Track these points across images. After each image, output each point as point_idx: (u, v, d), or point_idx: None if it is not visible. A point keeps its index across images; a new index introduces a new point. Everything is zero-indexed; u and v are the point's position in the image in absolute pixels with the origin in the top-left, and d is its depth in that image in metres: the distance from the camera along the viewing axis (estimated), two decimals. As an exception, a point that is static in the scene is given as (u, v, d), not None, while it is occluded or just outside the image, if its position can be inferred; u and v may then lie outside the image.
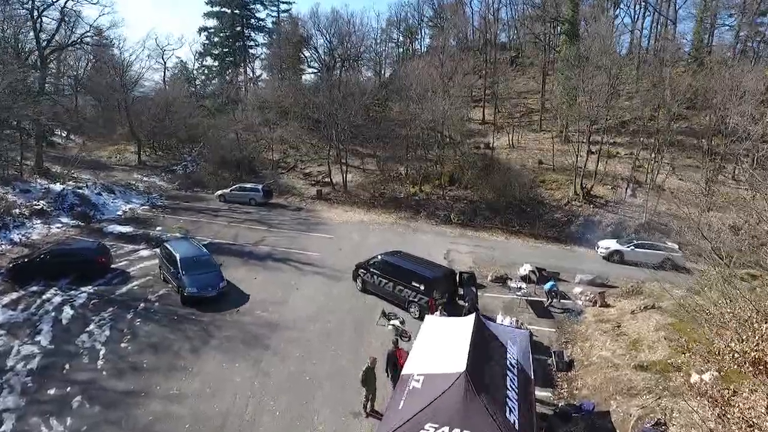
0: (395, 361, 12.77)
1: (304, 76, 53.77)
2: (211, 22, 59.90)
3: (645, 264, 25.07)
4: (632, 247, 25.50)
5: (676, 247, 25.65)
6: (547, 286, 19.04)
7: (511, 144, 41.55)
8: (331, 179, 37.84)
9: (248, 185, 34.67)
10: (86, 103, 58.40)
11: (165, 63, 54.47)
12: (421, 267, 18.11)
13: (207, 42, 60.77)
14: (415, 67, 41.87)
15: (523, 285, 20.00)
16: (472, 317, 11.52)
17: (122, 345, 14.95)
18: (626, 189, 31.60)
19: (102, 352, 14.49)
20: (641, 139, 36.25)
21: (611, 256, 25.82)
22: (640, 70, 32.91)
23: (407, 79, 39.53)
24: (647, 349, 14.11)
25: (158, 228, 27.25)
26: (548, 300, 19.14)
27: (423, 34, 68.46)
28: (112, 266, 20.84)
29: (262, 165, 42.26)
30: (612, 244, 26.26)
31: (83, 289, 18.67)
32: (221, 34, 60.74)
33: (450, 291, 17.89)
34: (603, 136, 32.12)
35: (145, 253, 23.12)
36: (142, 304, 17.73)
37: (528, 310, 18.90)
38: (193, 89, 56.25)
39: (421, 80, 37.57)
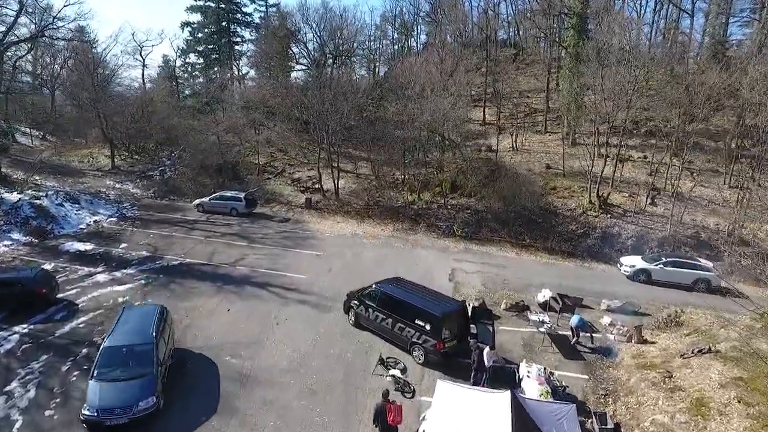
0: (384, 417, 10.31)
1: (293, 74, 50.40)
2: (195, 17, 56.51)
3: (675, 284, 22.33)
4: (661, 266, 22.55)
5: (710, 265, 22.77)
6: (575, 320, 15.99)
7: (514, 146, 38.57)
8: (321, 185, 34.63)
9: (229, 193, 31.35)
10: (64, 103, 54.90)
11: (144, 60, 50.91)
12: (426, 301, 14.98)
13: (191, 38, 57.31)
14: (413, 64, 38.70)
15: (546, 318, 16.95)
16: (505, 396, 8.42)
17: (47, 413, 11.69)
18: (648, 197, 28.67)
19: (17, 426, 11.23)
20: (657, 141, 33.41)
21: (637, 276, 22.86)
22: (654, 67, 30.07)
23: (404, 76, 36.44)
24: (718, 415, 11.09)
25: (123, 245, 23.92)
26: (574, 337, 16.09)
27: (419, 30, 65.53)
28: (58, 296, 17.55)
29: (248, 170, 38.93)
30: (637, 262, 23.30)
31: (15, 328, 15.39)
32: (205, 30, 57.33)
33: (462, 330, 14.79)
34: (621, 138, 29.14)
35: (102, 278, 19.81)
36: (84, 350, 14.46)
37: (552, 348, 15.86)
38: (175, 88, 52.64)
39: (419, 78, 34.47)
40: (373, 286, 16.26)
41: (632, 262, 23.46)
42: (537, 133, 42.34)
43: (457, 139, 35.44)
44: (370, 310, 15.82)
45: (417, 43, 65.10)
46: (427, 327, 14.14)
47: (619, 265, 24.04)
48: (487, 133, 42.55)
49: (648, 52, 27.11)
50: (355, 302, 16.44)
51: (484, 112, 45.00)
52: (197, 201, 31.38)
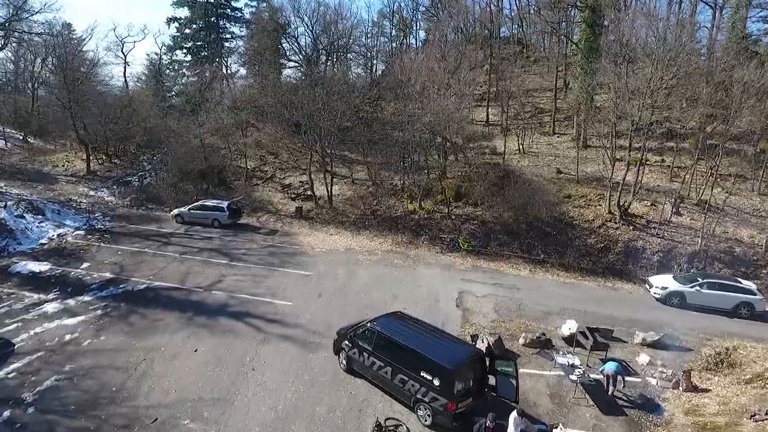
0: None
1: (285, 71, 47.45)
2: (182, 12, 53.56)
3: (714, 309, 19.62)
4: (697, 288, 19.80)
5: (754, 286, 20.05)
6: (612, 368, 13.14)
7: (521, 149, 35.84)
8: (313, 192, 31.76)
9: (210, 203, 28.44)
10: (47, 103, 51.85)
11: (125, 57, 47.91)
12: (433, 346, 12.14)
13: (177, 34, 54.40)
14: (413, 60, 35.87)
15: (576, 360, 14.15)
16: None
17: None
18: (673, 206, 25.92)
19: None
20: (676, 143, 30.72)
21: (670, 299, 20.11)
22: (681, 63, 27.30)
23: (403, 73, 33.61)
24: None
25: (84, 265, 21.01)
26: (611, 386, 13.23)
27: (418, 27, 62.67)
28: (-8, 334, 14.70)
29: (235, 175, 36.01)
30: (669, 282, 20.54)
31: (-74, 381, 12.52)
32: (193, 26, 54.38)
33: (478, 384, 11.98)
34: (643, 140, 26.35)
35: (51, 308, 16.92)
36: (7, 412, 11.58)
37: (586, 400, 13.06)
38: (160, 86, 49.68)
39: (420, 75, 31.65)
40: (368, 323, 13.43)
41: (663, 282, 20.70)
42: (544, 135, 39.64)
43: (460, 142, 32.64)
44: (365, 354, 13.00)
45: (416, 40, 62.30)
46: (436, 382, 11.32)
47: (647, 286, 21.29)
48: (491, 135, 39.83)
49: (678, 46, 24.12)
50: (347, 342, 13.61)
51: (487, 112, 42.28)
52: (176, 211, 28.45)
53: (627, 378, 13.67)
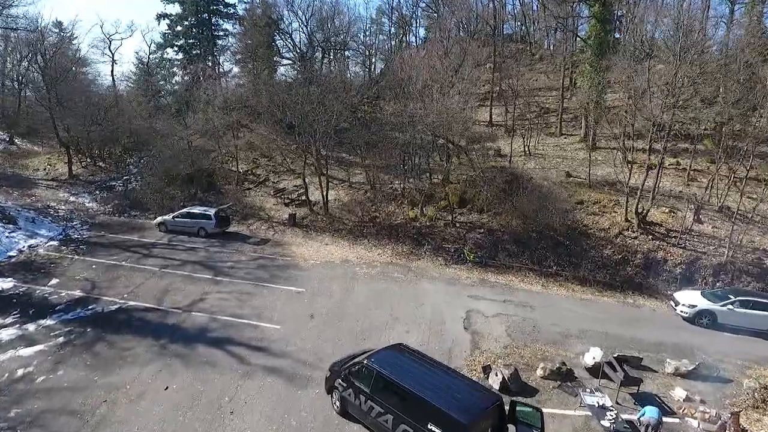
0: None
1: (279, 69, 45.49)
2: (173, 8, 51.45)
3: (750, 330, 17.75)
4: (730, 306, 17.92)
5: (792, 305, 18.15)
6: (652, 415, 11.16)
7: (526, 150, 34.00)
8: (308, 197, 29.81)
9: (197, 210, 26.47)
10: (31, 102, 49.78)
11: (113, 55, 45.88)
12: (444, 393, 10.18)
13: (168, 31, 52.30)
14: (414, 57, 33.96)
15: (606, 400, 12.24)
16: None
17: None
18: (695, 213, 24.03)
19: None
20: (693, 145, 28.87)
21: (699, 319, 18.22)
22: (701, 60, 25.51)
23: (404, 71, 31.71)
24: None
25: (53, 281, 19.03)
26: (648, 432, 11.33)
27: (418, 24, 60.85)
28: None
29: (225, 179, 34.03)
30: (697, 300, 18.65)
31: None
32: (185, 23, 52.30)
33: (496, 437, 10.08)
34: (665, 142, 24.39)
35: (6, 335, 14.92)
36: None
37: (620, 449, 11.16)
38: (149, 86, 47.62)
39: (421, 73, 29.74)
40: (365, 360, 11.50)
41: (690, 299, 18.81)
42: (551, 136, 37.85)
43: (464, 143, 30.72)
44: (362, 397, 11.08)
45: (416, 38, 60.48)
46: (447, 438, 9.41)
47: (673, 304, 19.40)
48: (495, 135, 38.01)
49: (703, 41, 22.28)
50: (341, 382, 11.69)
51: (491, 111, 40.44)
52: (159, 219, 26.49)
53: (664, 418, 11.78)
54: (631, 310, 19.73)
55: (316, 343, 15.15)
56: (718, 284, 20.96)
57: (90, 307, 17.03)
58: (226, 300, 18.07)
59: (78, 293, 18.01)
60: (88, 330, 15.41)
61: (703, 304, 18.31)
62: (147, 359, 13.89)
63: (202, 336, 15.39)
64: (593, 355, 14.41)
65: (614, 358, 13.75)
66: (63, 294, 17.89)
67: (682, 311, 18.65)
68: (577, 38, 40.29)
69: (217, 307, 17.38)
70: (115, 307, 17.13)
